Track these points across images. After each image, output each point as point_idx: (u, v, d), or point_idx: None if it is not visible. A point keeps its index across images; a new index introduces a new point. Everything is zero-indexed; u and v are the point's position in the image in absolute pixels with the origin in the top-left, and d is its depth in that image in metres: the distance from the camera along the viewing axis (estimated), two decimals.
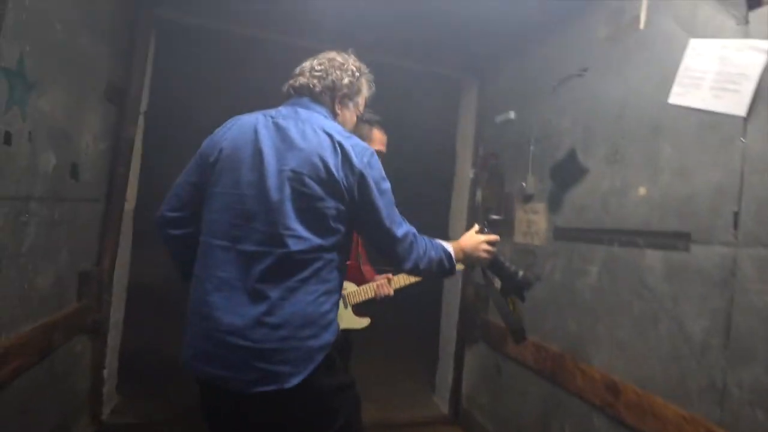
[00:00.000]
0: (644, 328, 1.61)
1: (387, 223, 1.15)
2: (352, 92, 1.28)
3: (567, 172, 2.09)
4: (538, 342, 2.18)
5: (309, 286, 1.09)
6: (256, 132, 1.14)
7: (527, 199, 2.37)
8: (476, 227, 1.47)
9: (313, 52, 1.33)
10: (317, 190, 1.09)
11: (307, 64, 1.28)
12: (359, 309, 1.88)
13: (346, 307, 1.84)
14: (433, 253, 1.26)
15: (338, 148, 1.11)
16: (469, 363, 2.92)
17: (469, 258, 1.39)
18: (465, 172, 3.14)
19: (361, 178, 1.12)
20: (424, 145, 4.15)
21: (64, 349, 1.81)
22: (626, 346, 1.69)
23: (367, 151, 1.15)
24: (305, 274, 1.09)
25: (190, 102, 3.69)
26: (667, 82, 1.58)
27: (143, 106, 2.47)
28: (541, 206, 2.26)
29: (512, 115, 2.56)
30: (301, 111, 1.19)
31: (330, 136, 1.13)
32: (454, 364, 3.01)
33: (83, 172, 1.87)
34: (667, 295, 1.54)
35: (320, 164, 1.09)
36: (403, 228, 1.20)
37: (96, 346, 2.14)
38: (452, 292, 3.16)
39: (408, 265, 1.21)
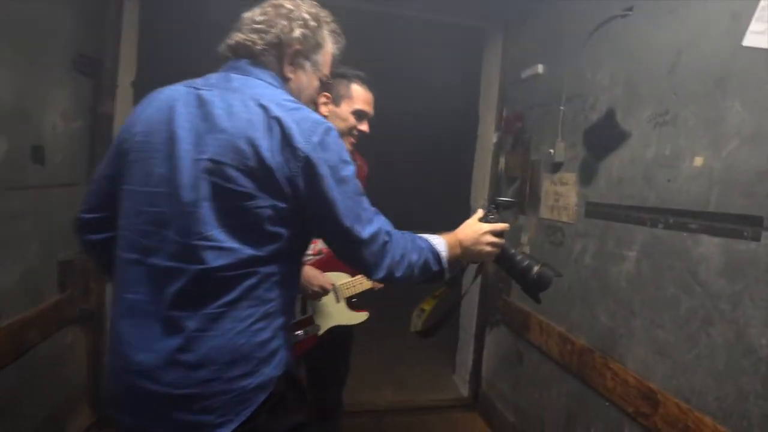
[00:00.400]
0: (692, 331, 1.32)
1: (347, 220, 0.89)
2: (308, 48, 0.99)
3: (603, 137, 1.74)
4: (563, 333, 1.92)
5: (239, 311, 0.86)
6: (171, 110, 0.90)
7: (555, 168, 2.04)
8: (479, 212, 1.19)
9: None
10: (245, 184, 0.83)
11: (247, 15, 0.99)
12: (356, 301, 1.67)
13: (338, 300, 1.64)
14: (414, 257, 0.98)
15: (275, 126, 0.85)
16: (489, 346, 2.71)
17: (469, 253, 1.12)
18: (488, 136, 2.80)
19: (308, 163, 0.85)
20: (444, 105, 3.79)
21: (46, 344, 1.72)
22: (668, 349, 1.40)
23: (319, 126, 0.88)
24: (232, 295, 0.85)
25: (184, 69, 3.46)
26: (739, 20, 1.20)
27: (130, 76, 2.26)
28: (571, 177, 1.94)
29: (540, 69, 2.18)
30: (235, 78, 0.93)
31: (265, 109, 0.86)
32: (474, 345, 2.82)
33: (52, 155, 1.71)
34: (724, 294, 1.23)
35: (248, 149, 0.83)
36: (371, 226, 0.92)
37: (89, 335, 2.06)
38: (473, 269, 2.91)
39: (379, 274, 0.94)
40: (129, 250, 0.89)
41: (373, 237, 0.92)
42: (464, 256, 1.12)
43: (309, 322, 1.58)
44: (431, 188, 4.16)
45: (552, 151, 2.02)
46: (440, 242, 1.06)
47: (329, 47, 1.04)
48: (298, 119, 0.87)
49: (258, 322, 0.87)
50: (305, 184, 0.86)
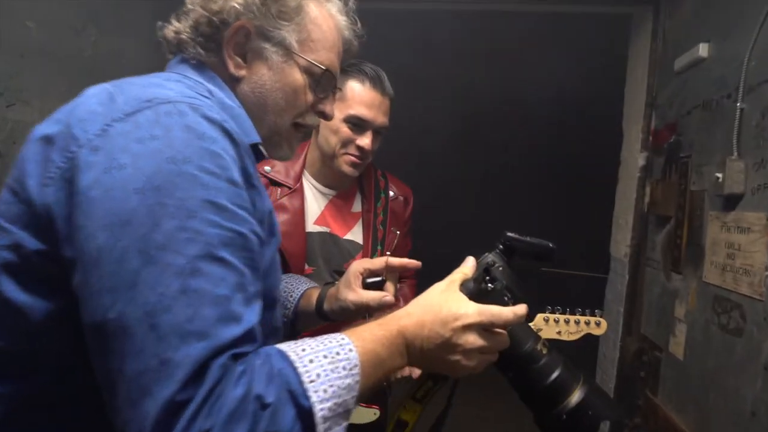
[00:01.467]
0: None
1: (116, 304, 0.43)
2: (263, 21, 0.61)
3: None
4: None
5: None
6: None
7: (729, 203, 1.25)
8: (469, 264, 0.62)
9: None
10: (4, 209, 0.51)
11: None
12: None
13: None
14: (263, 424, 0.41)
15: (64, 112, 0.52)
16: None
17: (428, 364, 0.58)
18: (634, 156, 2.03)
19: (74, 167, 0.46)
20: (578, 120, 3.02)
21: None
22: None
23: (152, 106, 0.49)
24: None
25: None
26: None
27: None
28: (757, 219, 1.14)
29: (703, 50, 1.42)
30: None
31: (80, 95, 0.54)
32: None
33: None
34: None
35: (24, 156, 0.52)
36: (202, 342, 0.42)
37: None
38: (610, 341, 2.11)
39: None
40: None
41: (191, 370, 0.40)
42: (418, 366, 0.61)
43: None
44: (552, 231, 3.29)
45: (720, 175, 1.24)
46: (332, 369, 0.47)
47: (317, 13, 0.64)
48: (120, 97, 0.50)
49: None
50: (64, 207, 0.46)
